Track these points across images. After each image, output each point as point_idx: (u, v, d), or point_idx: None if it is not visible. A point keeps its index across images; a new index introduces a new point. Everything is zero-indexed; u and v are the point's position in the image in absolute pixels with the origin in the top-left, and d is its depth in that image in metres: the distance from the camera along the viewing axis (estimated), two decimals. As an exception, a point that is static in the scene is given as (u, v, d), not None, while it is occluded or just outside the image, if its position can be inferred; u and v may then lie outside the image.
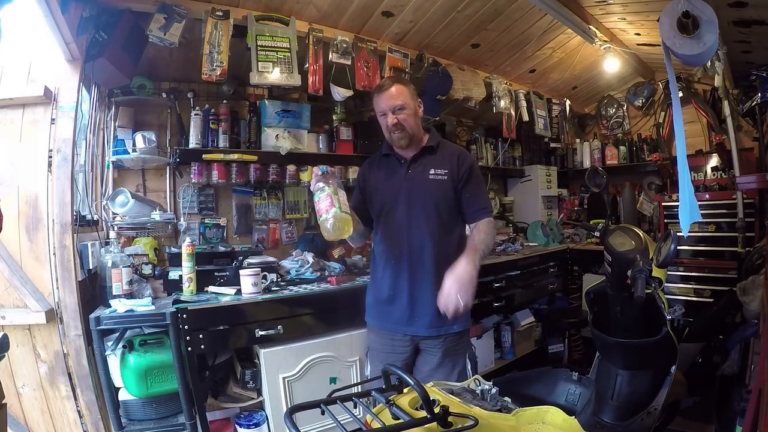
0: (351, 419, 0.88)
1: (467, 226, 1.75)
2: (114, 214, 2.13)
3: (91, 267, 1.88)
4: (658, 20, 1.65)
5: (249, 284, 1.92)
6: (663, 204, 3.17)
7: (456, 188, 1.69)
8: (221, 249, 2.21)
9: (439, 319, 1.64)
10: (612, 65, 3.33)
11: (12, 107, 1.73)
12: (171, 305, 1.75)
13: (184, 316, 1.73)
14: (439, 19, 2.50)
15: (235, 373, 2.08)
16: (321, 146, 2.68)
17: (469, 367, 1.83)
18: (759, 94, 2.64)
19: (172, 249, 2.13)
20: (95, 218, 2.04)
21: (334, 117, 2.77)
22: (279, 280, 2.17)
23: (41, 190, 1.73)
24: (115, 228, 2.09)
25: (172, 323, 1.70)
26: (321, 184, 1.43)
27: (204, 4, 2.02)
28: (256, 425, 1.96)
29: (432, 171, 1.68)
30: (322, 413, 0.88)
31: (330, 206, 1.38)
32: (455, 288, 1.42)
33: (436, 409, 0.82)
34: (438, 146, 1.73)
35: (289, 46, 2.17)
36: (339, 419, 0.85)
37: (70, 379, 1.74)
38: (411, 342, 1.70)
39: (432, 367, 1.67)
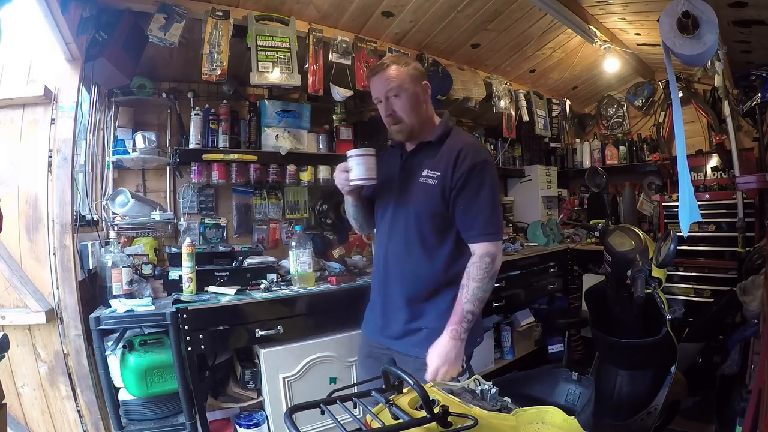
0: (351, 419, 0.88)
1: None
2: (114, 214, 2.13)
3: (91, 267, 1.88)
4: (658, 20, 1.65)
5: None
6: (663, 204, 3.17)
7: (446, 197, 1.34)
8: (221, 249, 2.21)
9: (408, 338, 1.41)
10: (612, 65, 3.33)
11: (12, 107, 1.73)
12: (171, 305, 1.76)
13: (184, 316, 1.73)
14: (439, 19, 2.50)
15: (235, 373, 2.08)
16: (321, 146, 2.67)
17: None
18: (759, 94, 2.63)
19: (172, 249, 2.13)
20: (95, 218, 2.04)
21: (334, 117, 2.77)
22: (279, 280, 2.17)
23: (41, 190, 1.73)
24: (115, 228, 2.09)
25: (172, 323, 1.70)
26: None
27: (204, 4, 2.02)
28: (256, 425, 1.96)
29: (425, 172, 1.37)
30: (322, 413, 0.88)
31: None
32: (442, 369, 1.26)
33: (436, 409, 0.82)
34: (441, 139, 1.39)
35: (289, 46, 2.17)
36: (339, 419, 0.85)
37: (70, 379, 1.73)
38: (388, 351, 1.48)
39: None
